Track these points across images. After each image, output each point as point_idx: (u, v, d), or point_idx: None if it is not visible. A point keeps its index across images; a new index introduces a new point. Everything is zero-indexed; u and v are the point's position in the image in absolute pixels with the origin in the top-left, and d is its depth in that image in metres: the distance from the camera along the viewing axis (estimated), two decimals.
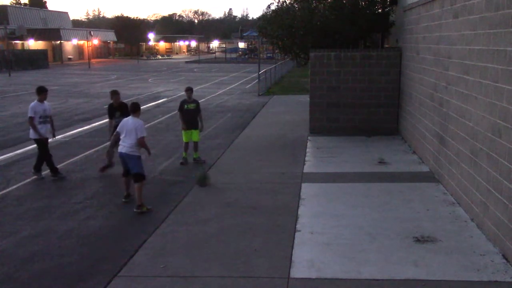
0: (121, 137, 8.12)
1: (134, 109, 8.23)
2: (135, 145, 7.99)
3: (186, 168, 10.69)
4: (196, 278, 5.60)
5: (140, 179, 8.01)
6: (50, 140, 10.19)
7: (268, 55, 68.55)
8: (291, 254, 6.12)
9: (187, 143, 10.97)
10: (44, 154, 9.86)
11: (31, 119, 9.68)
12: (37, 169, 9.93)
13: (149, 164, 11.09)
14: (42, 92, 9.84)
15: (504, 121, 6.09)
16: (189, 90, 10.94)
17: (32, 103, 9.84)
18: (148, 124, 16.43)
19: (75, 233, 7.10)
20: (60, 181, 9.78)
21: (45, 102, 9.94)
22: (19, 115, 19.18)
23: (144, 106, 21.60)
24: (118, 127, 8.25)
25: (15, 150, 12.60)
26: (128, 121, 8.11)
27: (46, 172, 10.03)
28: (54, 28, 72.84)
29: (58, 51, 72.11)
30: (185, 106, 10.82)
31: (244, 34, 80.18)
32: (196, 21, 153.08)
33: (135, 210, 8.03)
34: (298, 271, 5.70)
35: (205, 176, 9.31)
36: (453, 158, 8.20)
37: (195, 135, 10.97)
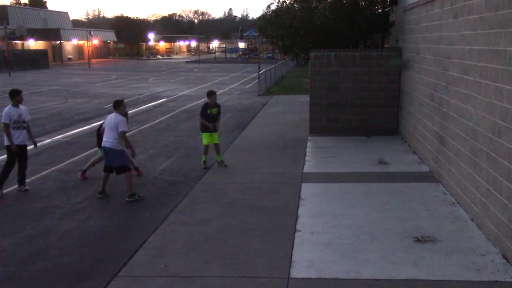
0: (104, 132, 8.49)
1: (115, 105, 8.59)
2: (118, 140, 8.32)
3: (186, 168, 10.67)
4: (196, 278, 5.60)
5: (123, 170, 8.43)
6: (29, 147, 9.36)
7: (268, 55, 68.53)
8: (291, 254, 6.12)
9: (207, 146, 10.58)
10: (11, 163, 8.99)
11: (7, 126, 8.76)
12: (21, 181, 9.17)
13: (149, 164, 11.11)
14: (16, 95, 8.95)
15: (504, 121, 6.09)
16: (213, 94, 10.46)
17: (6, 108, 8.88)
18: (148, 124, 16.44)
19: (75, 233, 7.10)
20: (60, 181, 9.77)
21: (21, 106, 9.05)
22: None
23: (144, 106, 21.62)
24: (104, 123, 8.66)
25: None
26: (111, 117, 8.46)
27: (7, 189, 9.61)
28: (54, 28, 72.86)
29: (58, 51, 72.13)
30: (208, 111, 10.39)
31: (244, 34, 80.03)
32: (196, 21, 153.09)
33: (127, 199, 8.44)
34: (298, 271, 5.70)
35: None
36: (453, 158, 8.20)
37: (215, 138, 10.63)
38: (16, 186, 9.22)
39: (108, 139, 8.37)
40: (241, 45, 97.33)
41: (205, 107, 10.42)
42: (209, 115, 10.41)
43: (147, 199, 8.63)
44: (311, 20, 14.76)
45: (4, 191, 8.98)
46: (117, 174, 8.62)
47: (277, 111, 19.20)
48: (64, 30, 72.92)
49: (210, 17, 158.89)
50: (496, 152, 6.32)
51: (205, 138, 10.54)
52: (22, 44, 65.93)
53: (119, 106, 8.57)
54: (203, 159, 10.64)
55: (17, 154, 9.03)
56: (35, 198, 8.77)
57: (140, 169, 10.32)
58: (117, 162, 8.42)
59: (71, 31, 75.72)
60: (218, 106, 10.61)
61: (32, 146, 9.49)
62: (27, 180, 9.56)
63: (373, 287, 5.33)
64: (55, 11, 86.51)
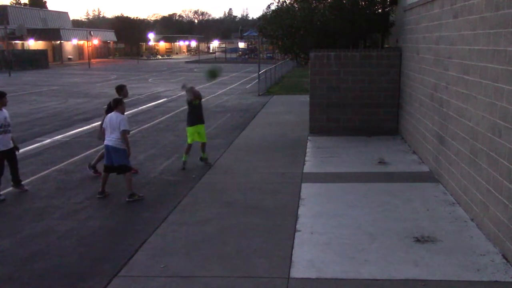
0: (106, 132, 8.52)
1: (115, 104, 8.58)
2: (121, 139, 8.37)
3: (186, 168, 10.65)
4: (196, 278, 5.60)
5: (124, 170, 8.48)
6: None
7: (268, 55, 68.53)
8: (291, 254, 6.12)
9: (191, 145, 10.70)
10: (1, 167, 8.69)
11: None
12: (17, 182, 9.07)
13: (149, 164, 11.10)
14: (1, 98, 8.59)
15: (504, 121, 6.09)
16: (193, 88, 10.82)
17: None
18: (148, 124, 16.43)
19: (75, 233, 7.10)
20: (60, 181, 9.77)
21: (3, 109, 8.73)
22: (19, 115, 19.17)
23: (144, 106, 21.62)
24: (104, 123, 8.68)
25: None
26: (112, 117, 8.47)
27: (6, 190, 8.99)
28: (54, 28, 72.87)
29: (58, 51, 72.12)
30: (192, 102, 10.67)
31: (244, 34, 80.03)
32: (196, 21, 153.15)
33: (127, 199, 8.45)
34: (298, 271, 5.69)
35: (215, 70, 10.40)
36: (453, 158, 8.20)
37: (203, 136, 10.76)
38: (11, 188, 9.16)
39: (111, 138, 8.40)
40: (241, 45, 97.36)
41: (191, 100, 10.66)
42: (194, 106, 10.64)
43: (147, 199, 8.63)
44: (311, 20, 14.76)
45: (3, 192, 8.91)
46: (117, 173, 8.64)
47: (277, 111, 19.20)
48: (64, 30, 72.91)
49: (210, 17, 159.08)
50: (496, 152, 6.32)
51: (191, 135, 10.60)
52: (22, 44, 65.93)
53: (119, 104, 8.58)
54: (184, 158, 10.64)
55: (6, 158, 8.81)
56: (35, 198, 8.77)
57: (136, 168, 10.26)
58: (119, 161, 8.45)
59: (71, 31, 75.71)
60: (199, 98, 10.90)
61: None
62: (27, 180, 9.57)
63: (373, 287, 5.33)
64: (55, 11, 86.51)
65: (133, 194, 8.51)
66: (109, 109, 9.01)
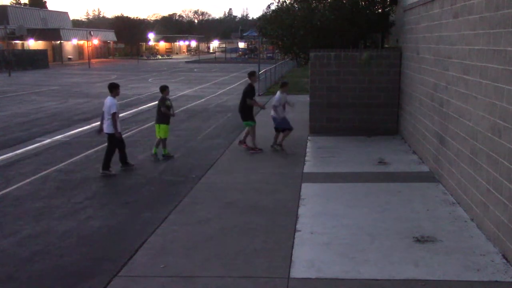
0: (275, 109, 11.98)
1: (282, 85, 12.22)
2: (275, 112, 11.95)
3: (186, 168, 10.67)
4: (196, 278, 5.60)
5: (284, 129, 12.10)
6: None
7: (268, 55, 68.54)
8: (291, 254, 6.12)
9: (166, 139, 11.63)
10: (114, 148, 10.31)
11: (116, 114, 9.98)
12: (108, 166, 10.19)
13: (149, 164, 11.11)
14: (116, 88, 10.25)
15: (504, 121, 6.10)
16: (167, 88, 11.83)
17: (114, 100, 10.06)
18: (148, 124, 16.42)
19: (75, 233, 7.10)
20: (60, 181, 9.78)
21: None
22: (19, 115, 19.17)
23: (145, 106, 21.61)
24: (281, 99, 11.96)
25: (15, 150, 12.59)
26: (279, 95, 11.97)
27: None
28: (54, 28, 72.82)
29: (58, 51, 72.10)
30: (167, 102, 11.52)
31: (244, 34, 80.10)
32: (196, 21, 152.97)
33: (276, 148, 12.11)
34: (298, 271, 5.70)
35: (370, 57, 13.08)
36: (453, 158, 8.20)
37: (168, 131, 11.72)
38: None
39: (273, 111, 12.07)
40: (241, 45, 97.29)
41: (164, 99, 11.51)
42: (168, 107, 11.50)
43: (147, 199, 8.63)
44: (311, 20, 14.76)
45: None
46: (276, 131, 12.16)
47: None
48: (64, 30, 72.88)
49: (210, 17, 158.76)
50: (496, 152, 6.32)
51: (167, 131, 11.51)
52: (22, 44, 65.90)
53: (284, 86, 12.29)
54: (154, 151, 11.60)
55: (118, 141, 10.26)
56: (35, 198, 8.77)
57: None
58: (277, 125, 12.03)
59: (71, 31, 75.69)
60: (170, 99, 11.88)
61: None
62: (27, 180, 9.59)
63: (373, 287, 5.33)
64: (55, 11, 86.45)
65: (280, 145, 11.99)
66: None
